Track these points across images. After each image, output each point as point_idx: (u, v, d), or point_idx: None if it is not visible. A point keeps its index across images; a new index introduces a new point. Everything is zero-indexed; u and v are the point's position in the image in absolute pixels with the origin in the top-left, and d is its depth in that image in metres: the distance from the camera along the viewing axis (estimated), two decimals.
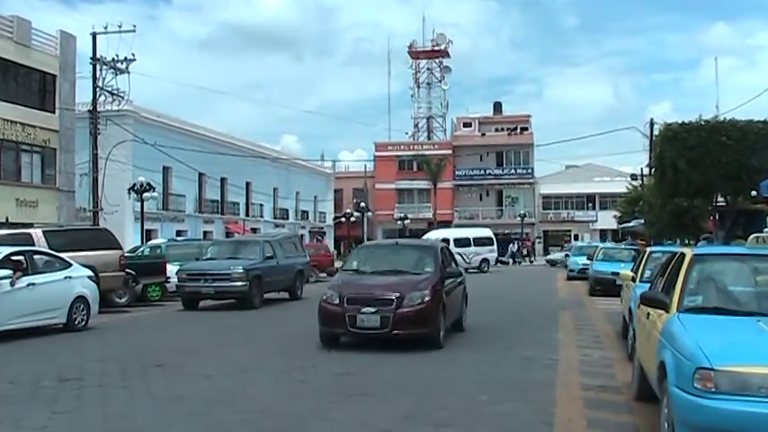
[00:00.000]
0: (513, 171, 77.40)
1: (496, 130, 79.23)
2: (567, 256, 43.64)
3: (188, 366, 10.47)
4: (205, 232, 49.90)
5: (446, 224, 65.78)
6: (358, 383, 9.11)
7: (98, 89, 33.29)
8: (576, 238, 71.67)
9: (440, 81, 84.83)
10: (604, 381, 9.17)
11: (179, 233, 45.19)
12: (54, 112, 34.43)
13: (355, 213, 63.71)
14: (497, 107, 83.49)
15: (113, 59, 33.55)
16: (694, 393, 5.07)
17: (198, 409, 7.75)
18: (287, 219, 63.99)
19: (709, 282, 6.80)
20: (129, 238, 36.45)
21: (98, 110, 33.25)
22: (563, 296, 24.63)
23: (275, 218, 62.08)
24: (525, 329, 14.69)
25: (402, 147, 80.00)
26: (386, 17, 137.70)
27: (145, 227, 35.82)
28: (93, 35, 32.94)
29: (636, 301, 8.93)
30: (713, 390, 4.99)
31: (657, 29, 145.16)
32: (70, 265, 15.00)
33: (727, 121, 22.22)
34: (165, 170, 46.21)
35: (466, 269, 17.82)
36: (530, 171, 77.33)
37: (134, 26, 33.58)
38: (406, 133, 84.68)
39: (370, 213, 66.38)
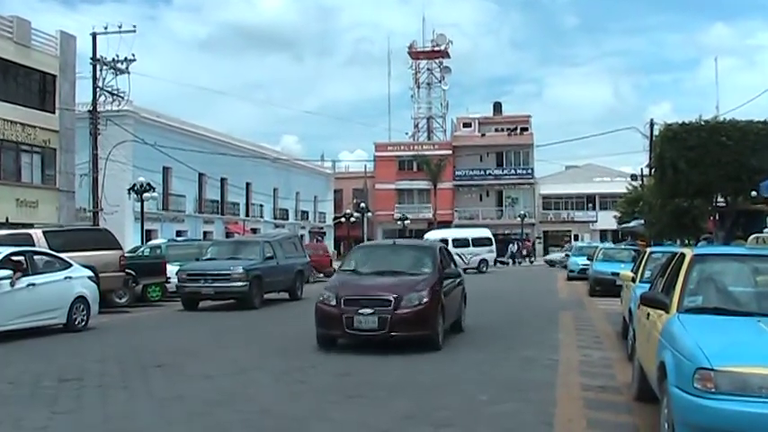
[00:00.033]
0: (513, 171, 77.41)
1: (496, 130, 79.24)
2: (567, 256, 43.61)
3: (188, 367, 10.47)
4: (205, 232, 49.92)
5: (446, 224, 65.80)
6: (358, 384, 9.11)
7: (98, 89, 33.32)
8: (576, 238, 71.64)
9: (440, 81, 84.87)
10: (604, 381, 9.17)
11: (179, 233, 45.21)
12: (54, 113, 34.45)
13: (355, 214, 63.73)
14: (497, 107, 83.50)
15: (113, 60, 33.57)
16: (694, 394, 5.07)
17: (198, 410, 7.75)
18: (287, 219, 64.01)
19: (709, 282, 6.80)
20: (130, 239, 36.45)
21: (98, 110, 33.27)
22: (563, 296, 24.63)
23: (275, 218, 62.10)
24: (525, 330, 14.68)
25: (402, 147, 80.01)
26: (386, 17, 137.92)
27: (145, 227, 35.83)
28: (93, 35, 32.97)
29: (636, 301, 8.93)
30: (713, 390, 4.99)
31: (657, 29, 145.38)
32: (70, 265, 15.00)
33: (727, 122, 22.22)
34: (165, 170, 46.24)
35: (464, 270, 17.74)
36: (530, 171, 77.34)
37: (134, 26, 33.68)
38: (406, 133, 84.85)
39: (369, 214, 66.39)
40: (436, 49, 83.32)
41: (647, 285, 9.41)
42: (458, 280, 13.76)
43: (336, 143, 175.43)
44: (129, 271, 20.19)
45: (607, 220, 65.47)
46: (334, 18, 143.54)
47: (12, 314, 13.18)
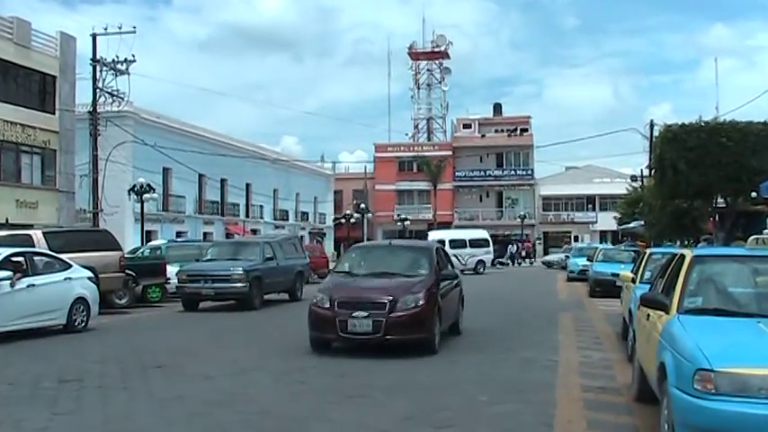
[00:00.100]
0: (512, 172, 77.45)
1: (496, 131, 79.31)
2: (567, 257, 43.61)
3: (188, 367, 10.47)
4: (205, 233, 49.89)
5: (446, 225, 65.86)
6: (358, 384, 9.11)
7: (98, 90, 33.31)
8: (576, 239, 71.69)
9: (440, 82, 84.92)
10: (604, 382, 9.17)
11: (179, 234, 45.22)
12: (54, 114, 34.45)
13: (355, 214, 63.72)
14: (497, 108, 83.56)
15: (113, 60, 33.56)
16: (694, 394, 5.08)
17: (198, 410, 7.75)
18: (287, 220, 64.01)
19: (708, 283, 6.81)
20: (129, 240, 36.48)
21: (98, 111, 33.26)
22: (563, 297, 24.63)
23: (275, 219, 62.10)
24: (525, 331, 14.68)
25: (402, 148, 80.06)
26: (386, 18, 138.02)
27: (145, 228, 35.83)
28: (93, 36, 32.97)
29: (636, 302, 8.93)
30: (713, 391, 5.00)
31: (657, 30, 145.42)
32: (70, 266, 14.99)
33: (726, 123, 22.24)
34: (165, 171, 46.24)
35: (461, 271, 17.61)
36: (530, 172, 77.39)
37: (134, 27, 33.66)
38: (406, 134, 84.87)
39: (370, 214, 66.39)
40: (436, 49, 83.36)
41: (647, 286, 9.41)
42: (455, 281, 13.52)
43: (336, 144, 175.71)
44: (129, 272, 20.18)
45: (607, 221, 65.50)
46: (334, 19, 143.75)
47: (12, 315, 13.18)
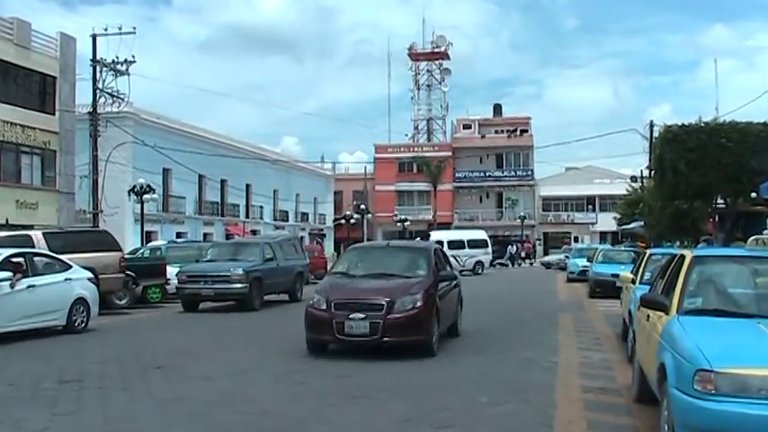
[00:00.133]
0: (512, 173, 77.46)
1: (496, 131, 79.33)
2: (567, 257, 43.61)
3: (188, 368, 10.47)
4: (205, 234, 49.92)
5: (446, 226, 65.84)
6: (358, 385, 9.11)
7: (98, 91, 33.35)
8: (576, 240, 71.73)
9: (440, 83, 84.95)
10: (604, 383, 9.17)
11: (179, 235, 45.21)
12: (54, 114, 34.46)
13: (355, 215, 63.74)
14: (497, 109, 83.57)
15: (113, 61, 33.61)
16: (694, 395, 5.08)
17: (198, 411, 7.75)
18: (287, 221, 64.01)
19: (708, 284, 6.81)
20: (129, 240, 36.47)
21: (98, 112, 33.29)
22: (563, 298, 24.63)
23: (275, 220, 62.10)
24: (525, 331, 14.67)
25: (402, 149, 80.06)
26: (386, 19, 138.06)
27: (145, 229, 35.84)
28: (93, 37, 33.01)
29: (636, 303, 8.94)
30: (713, 392, 5.00)
31: (657, 30, 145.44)
32: (70, 266, 15.00)
33: (726, 123, 22.22)
34: (165, 172, 46.24)
35: (460, 272, 17.50)
36: (529, 173, 77.40)
37: (134, 28, 33.75)
38: (406, 135, 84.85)
39: (369, 215, 66.38)
40: (436, 50, 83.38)
41: (647, 287, 9.41)
42: (454, 282, 13.37)
43: (336, 145, 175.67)
44: (129, 272, 20.19)
45: (607, 221, 65.50)
46: (334, 19, 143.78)
47: (12, 316, 13.19)
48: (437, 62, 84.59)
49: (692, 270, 6.83)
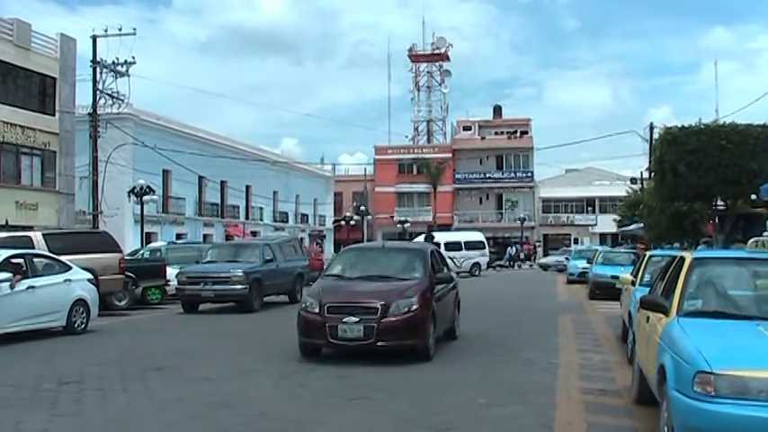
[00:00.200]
0: (512, 174, 77.44)
1: (496, 133, 79.32)
2: (567, 259, 43.61)
3: (188, 369, 10.47)
4: (205, 235, 49.91)
5: (446, 227, 65.80)
6: (358, 387, 9.11)
7: (98, 92, 33.34)
8: (576, 241, 71.68)
9: (440, 84, 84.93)
10: (604, 384, 9.17)
11: (179, 236, 45.23)
12: (54, 115, 34.45)
13: (355, 217, 63.73)
14: (497, 111, 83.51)
15: (113, 62, 33.61)
16: (694, 397, 5.08)
17: (198, 412, 7.75)
18: (287, 222, 64.00)
19: (708, 286, 6.81)
20: (129, 241, 36.48)
21: (98, 113, 33.27)
22: (563, 300, 24.63)
23: (275, 221, 62.08)
24: (525, 333, 14.67)
25: (402, 150, 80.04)
26: (385, 20, 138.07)
27: (145, 230, 35.83)
28: (94, 38, 33.02)
29: (636, 304, 8.94)
30: (713, 393, 5.00)
31: (657, 32, 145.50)
32: (70, 268, 15.00)
33: (726, 125, 22.18)
34: (165, 173, 46.22)
35: (457, 273, 17.37)
36: (530, 174, 77.38)
37: (134, 29, 33.74)
38: (406, 136, 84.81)
39: (369, 216, 66.36)
40: (436, 52, 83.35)
41: (647, 289, 9.41)
42: (451, 284, 13.08)
43: (336, 146, 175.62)
44: (129, 274, 20.19)
45: (607, 223, 65.53)
46: (334, 21, 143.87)
47: (11, 317, 13.19)
48: (437, 64, 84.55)
49: (692, 272, 6.84)
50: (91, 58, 33.07)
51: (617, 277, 15.48)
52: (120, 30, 33.37)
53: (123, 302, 20.32)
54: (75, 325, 14.57)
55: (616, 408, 7.90)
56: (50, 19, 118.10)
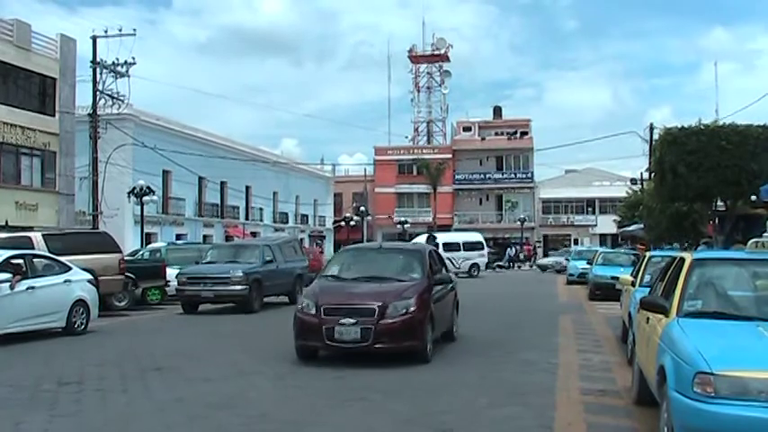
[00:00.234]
0: (512, 175, 77.47)
1: (496, 134, 79.33)
2: (567, 260, 43.59)
3: (188, 370, 10.47)
4: (205, 236, 49.91)
5: (446, 228, 65.82)
6: (357, 387, 9.10)
7: (98, 92, 33.38)
8: (576, 242, 71.66)
9: (440, 85, 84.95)
10: (604, 385, 9.17)
11: (179, 237, 45.20)
12: (54, 116, 34.46)
13: (355, 217, 63.75)
14: (497, 111, 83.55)
15: (113, 63, 33.67)
16: (694, 398, 5.08)
17: (198, 413, 7.75)
18: (287, 223, 64.00)
19: (708, 286, 6.82)
20: (129, 242, 36.47)
21: (98, 113, 33.31)
22: (563, 300, 24.63)
23: (275, 222, 62.09)
24: (524, 334, 14.67)
25: (402, 151, 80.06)
26: (386, 21, 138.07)
27: (144, 230, 35.83)
28: (94, 39, 33.07)
29: (635, 305, 8.94)
30: (713, 394, 5.00)
31: (657, 33, 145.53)
32: (70, 268, 15.00)
33: (726, 126, 22.20)
34: (165, 174, 46.22)
35: (455, 274, 17.30)
36: (529, 175, 77.40)
37: (134, 30, 33.86)
38: (406, 137, 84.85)
39: (369, 217, 66.37)
40: (436, 52, 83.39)
41: (647, 289, 9.41)
42: (449, 286, 12.95)
43: (336, 147, 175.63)
44: (129, 274, 20.18)
45: (607, 224, 65.56)
46: (334, 22, 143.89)
47: (11, 317, 13.18)
48: (437, 64, 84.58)
49: (692, 273, 6.84)
50: (91, 58, 33.14)
51: (617, 278, 15.49)
52: (120, 30, 33.48)
53: (123, 303, 20.32)
54: (75, 325, 14.57)
55: (616, 408, 7.90)
56: (50, 19, 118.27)
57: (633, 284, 12.44)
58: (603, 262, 26.89)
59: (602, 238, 70.14)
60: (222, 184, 53.73)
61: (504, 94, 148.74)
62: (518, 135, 77.42)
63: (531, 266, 61.75)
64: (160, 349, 12.60)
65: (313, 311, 10.70)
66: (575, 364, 10.79)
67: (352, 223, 63.81)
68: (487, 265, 47.12)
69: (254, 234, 52.95)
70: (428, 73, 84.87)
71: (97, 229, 30.43)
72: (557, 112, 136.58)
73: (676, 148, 21.60)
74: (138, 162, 40.88)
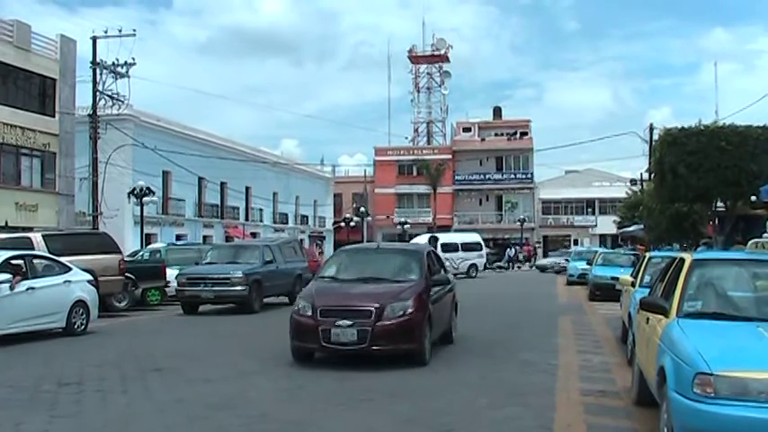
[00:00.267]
0: (512, 176, 77.46)
1: (496, 134, 79.34)
2: (567, 260, 43.60)
3: (188, 371, 10.47)
4: (205, 237, 49.90)
5: (446, 229, 65.85)
6: (357, 388, 9.10)
7: (98, 93, 33.39)
8: (576, 242, 71.65)
9: (440, 86, 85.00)
10: (604, 386, 9.17)
11: (179, 237, 45.17)
12: (54, 116, 34.47)
13: (355, 218, 63.74)
14: (497, 112, 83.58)
15: (113, 63, 33.69)
16: (694, 398, 5.08)
17: (198, 414, 7.75)
18: (287, 223, 64.00)
19: (708, 287, 6.82)
20: (129, 243, 36.45)
21: (98, 114, 33.33)
22: (562, 301, 24.63)
23: (275, 222, 62.08)
24: (524, 335, 14.67)
25: (402, 151, 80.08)
26: (386, 22, 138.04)
27: (144, 231, 35.82)
28: (94, 39, 33.08)
29: (635, 306, 8.93)
30: (713, 395, 5.00)
31: (657, 34, 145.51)
32: (70, 269, 15.00)
33: (726, 126, 22.20)
34: (165, 174, 46.21)
35: (454, 275, 17.21)
36: (529, 176, 77.39)
37: (134, 30, 33.89)
38: (406, 138, 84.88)
39: (369, 218, 66.36)
40: (436, 53, 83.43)
41: (647, 290, 9.41)
42: (448, 287, 12.85)
43: (336, 147, 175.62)
44: (129, 275, 20.19)
45: (607, 224, 65.54)
46: (334, 22, 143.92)
47: (11, 318, 13.18)
48: (437, 65, 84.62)
49: (692, 273, 6.84)
50: (91, 59, 33.15)
51: (617, 279, 15.49)
52: (120, 31, 33.51)
53: (123, 304, 20.32)
54: (75, 326, 14.57)
55: (616, 409, 7.90)
56: (50, 20, 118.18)
57: (633, 285, 12.44)
58: (603, 262, 26.89)
59: (602, 239, 70.14)
60: (222, 184, 53.71)
61: (504, 94, 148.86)
62: (518, 135, 77.42)
63: (531, 267, 61.79)
64: (160, 350, 12.60)
65: (309, 313, 10.59)
66: (574, 365, 10.79)
67: (352, 224, 63.81)
68: (487, 266, 47.06)
69: (253, 235, 52.97)
70: (428, 73, 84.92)
71: (97, 229, 30.43)
72: (557, 112, 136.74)
73: (676, 148, 21.60)
74: (138, 163, 40.87)
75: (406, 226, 64.46)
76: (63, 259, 15.31)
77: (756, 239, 18.51)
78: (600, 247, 53.18)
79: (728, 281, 6.99)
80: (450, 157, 76.67)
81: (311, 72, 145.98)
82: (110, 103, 34.24)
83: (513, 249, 63.00)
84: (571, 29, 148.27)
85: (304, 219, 68.64)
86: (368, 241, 59.92)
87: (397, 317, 10.36)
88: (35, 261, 14.54)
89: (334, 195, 76.97)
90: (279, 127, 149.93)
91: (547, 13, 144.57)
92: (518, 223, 69.42)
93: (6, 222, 28.90)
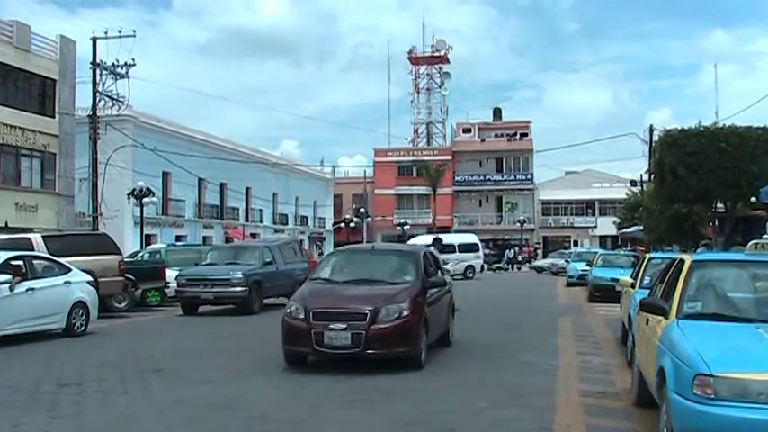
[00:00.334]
0: (512, 177, 77.51)
1: (496, 135, 79.37)
2: (567, 261, 43.58)
3: (188, 371, 10.47)
4: (204, 237, 49.93)
5: (446, 230, 65.86)
6: (357, 389, 9.10)
7: (98, 94, 33.40)
8: (576, 244, 71.67)
9: (439, 87, 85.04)
10: (604, 387, 9.17)
11: (178, 238, 45.16)
12: (54, 117, 34.48)
13: (355, 219, 63.77)
14: (497, 113, 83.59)
15: (113, 64, 33.69)
16: (693, 400, 5.08)
17: (198, 414, 7.75)
18: (286, 224, 64.02)
19: (708, 288, 6.82)
20: (129, 243, 36.45)
21: (98, 115, 33.34)
22: (562, 302, 24.62)
23: (275, 223, 62.10)
24: (524, 336, 14.66)
25: (402, 152, 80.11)
26: (386, 23, 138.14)
27: (144, 232, 35.83)
28: (94, 40, 33.09)
29: (635, 307, 8.94)
30: (712, 396, 5.00)
31: (657, 35, 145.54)
32: (69, 270, 15.00)
33: (726, 128, 22.22)
34: (165, 175, 46.23)
35: (451, 276, 17.06)
36: (529, 177, 77.43)
37: (134, 31, 33.89)
38: (406, 139, 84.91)
39: (369, 219, 66.36)
40: (436, 54, 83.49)
41: (647, 291, 9.41)
42: (445, 288, 12.61)
43: (336, 148, 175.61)
44: (129, 276, 20.16)
45: (607, 225, 65.56)
46: (334, 23, 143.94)
47: (11, 318, 13.18)
48: (437, 66, 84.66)
49: (692, 274, 6.84)
50: (91, 60, 33.17)
51: (617, 280, 15.50)
52: (119, 32, 33.52)
53: (123, 304, 20.31)
54: (75, 327, 14.57)
55: (616, 410, 7.90)
56: (50, 21, 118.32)
57: (633, 286, 12.43)
58: (603, 264, 26.87)
59: (602, 240, 70.13)
60: (222, 185, 53.73)
61: (503, 95, 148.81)
62: (518, 137, 77.45)
63: (531, 268, 61.79)
64: (160, 351, 12.60)
65: (302, 316, 10.33)
66: (574, 366, 10.79)
67: (351, 225, 63.84)
68: (484, 267, 47.01)
69: (253, 235, 52.97)
70: (428, 74, 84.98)
71: (97, 230, 30.44)
72: (556, 113, 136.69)
73: (676, 149, 21.62)
74: (138, 163, 40.87)
75: (405, 227, 64.47)
76: (63, 260, 15.30)
77: (756, 240, 18.49)
78: (600, 248, 53.17)
79: (728, 282, 6.99)
80: (449, 158, 76.73)
81: (311, 73, 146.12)
82: (109, 104, 34.25)
83: (512, 250, 63.00)
84: (571, 30, 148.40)
85: (304, 220, 68.66)
86: (368, 242, 59.92)
87: (392, 320, 10.12)
88: (35, 262, 14.55)
89: (334, 196, 77.01)
90: (278, 128, 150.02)
91: (546, 15, 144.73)
92: (518, 224, 69.43)
93: (6, 223, 28.89)
